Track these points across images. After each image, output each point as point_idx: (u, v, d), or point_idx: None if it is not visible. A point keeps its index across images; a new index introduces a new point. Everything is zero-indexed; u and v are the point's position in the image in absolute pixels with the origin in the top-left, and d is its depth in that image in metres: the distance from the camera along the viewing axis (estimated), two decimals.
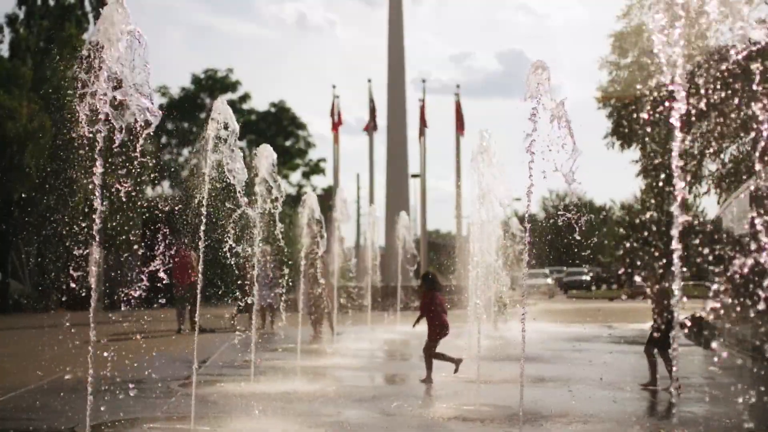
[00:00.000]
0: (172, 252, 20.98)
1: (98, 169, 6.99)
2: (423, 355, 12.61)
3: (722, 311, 18.20)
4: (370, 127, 44.90)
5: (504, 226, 20.87)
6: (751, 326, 15.10)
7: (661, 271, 12.28)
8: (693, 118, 5.07)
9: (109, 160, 7.10)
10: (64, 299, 29.85)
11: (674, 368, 10.84)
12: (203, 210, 9.23)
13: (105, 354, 9.00)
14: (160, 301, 8.45)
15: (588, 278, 58.33)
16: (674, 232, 5.30)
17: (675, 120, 5.11)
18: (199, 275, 9.52)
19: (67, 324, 11.71)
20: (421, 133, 45.06)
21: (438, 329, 12.48)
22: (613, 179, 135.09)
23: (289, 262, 19.69)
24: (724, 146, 36.96)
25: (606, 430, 9.12)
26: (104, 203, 7.20)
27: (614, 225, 74.65)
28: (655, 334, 11.60)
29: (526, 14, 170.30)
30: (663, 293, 11.75)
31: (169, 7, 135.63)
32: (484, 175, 11.46)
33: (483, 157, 11.37)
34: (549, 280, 50.71)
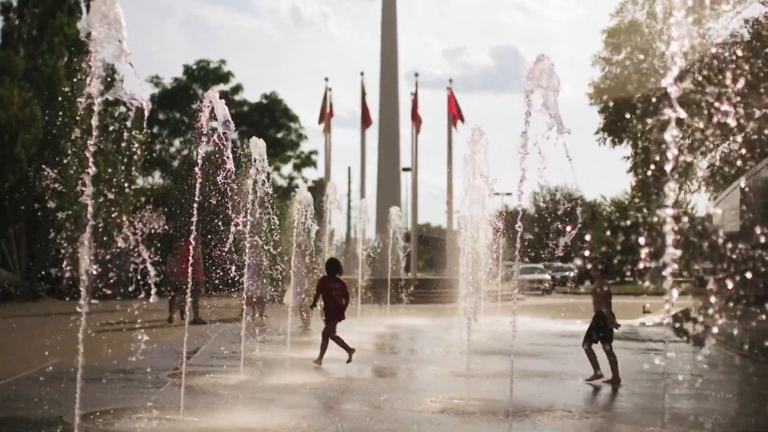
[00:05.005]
0: (178, 243, 21.04)
1: (90, 155, 6.96)
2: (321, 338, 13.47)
3: (712, 308, 18.26)
4: (363, 121, 44.84)
5: (495, 221, 20.89)
6: (740, 323, 15.17)
7: (602, 268, 12.41)
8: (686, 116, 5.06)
9: (101, 147, 7.08)
10: (54, 288, 29.86)
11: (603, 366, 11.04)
12: (197, 200, 9.22)
13: (94, 343, 8.97)
14: (153, 290, 8.37)
15: (572, 274, 58.12)
16: (666, 228, 5.30)
17: (670, 117, 5.11)
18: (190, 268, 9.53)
19: (56, 313, 11.68)
20: (416, 128, 45.03)
21: (332, 313, 13.39)
22: (604, 175, 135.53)
23: (281, 253, 19.65)
24: (715, 144, 37.05)
25: (594, 425, 9.16)
26: (96, 192, 7.17)
27: (603, 221, 74.66)
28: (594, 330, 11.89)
29: (522, 12, 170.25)
30: (601, 292, 11.87)
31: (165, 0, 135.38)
32: (475, 171, 11.48)
33: (476, 153, 11.38)
34: (546, 275, 49.66)
